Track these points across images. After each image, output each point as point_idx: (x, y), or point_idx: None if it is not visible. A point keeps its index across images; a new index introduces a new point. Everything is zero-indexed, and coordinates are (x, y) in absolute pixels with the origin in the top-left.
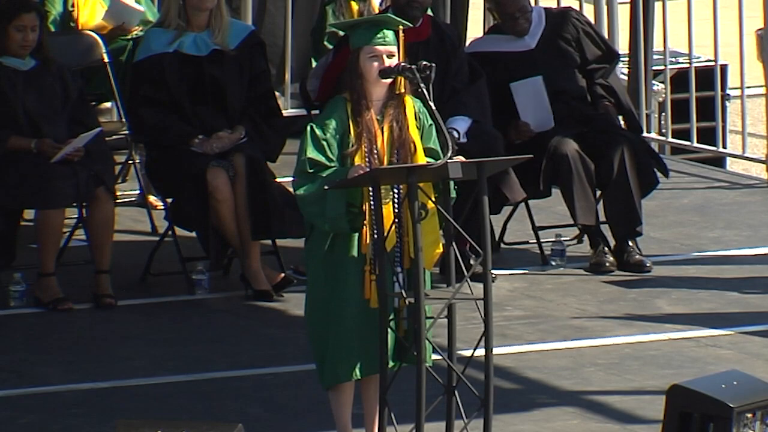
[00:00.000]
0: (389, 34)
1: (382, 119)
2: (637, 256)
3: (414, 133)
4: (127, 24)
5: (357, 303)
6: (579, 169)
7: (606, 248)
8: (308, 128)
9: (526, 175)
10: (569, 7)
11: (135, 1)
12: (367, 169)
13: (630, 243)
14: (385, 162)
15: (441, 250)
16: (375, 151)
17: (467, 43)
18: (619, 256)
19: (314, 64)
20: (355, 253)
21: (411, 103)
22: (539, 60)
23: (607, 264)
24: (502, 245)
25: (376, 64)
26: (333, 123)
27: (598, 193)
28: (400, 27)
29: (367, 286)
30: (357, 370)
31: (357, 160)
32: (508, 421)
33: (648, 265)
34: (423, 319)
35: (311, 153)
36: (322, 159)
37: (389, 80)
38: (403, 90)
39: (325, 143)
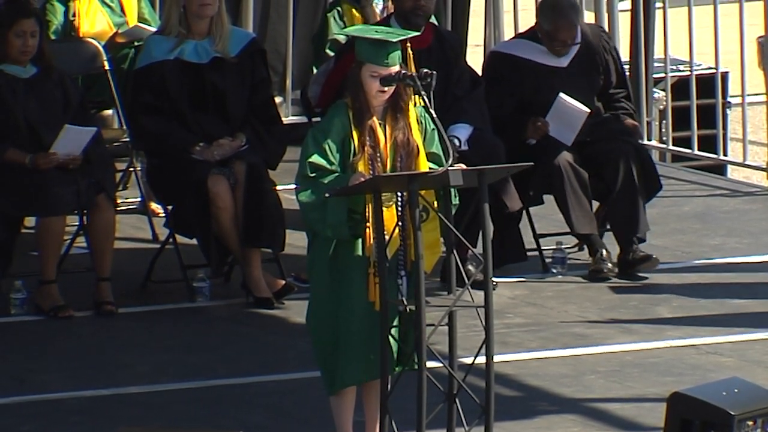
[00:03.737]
0: (395, 56)
1: (385, 124)
2: (643, 253)
3: (417, 136)
4: (141, 41)
5: (363, 306)
6: (572, 179)
7: (605, 255)
8: (310, 132)
9: (518, 182)
10: (601, 27)
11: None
12: (369, 177)
13: (636, 243)
14: (389, 167)
15: (441, 252)
16: (378, 156)
17: (497, 42)
18: (624, 258)
19: (315, 71)
20: (359, 256)
21: (413, 109)
22: (567, 79)
23: (606, 270)
24: None
25: (377, 83)
26: (335, 127)
27: (597, 202)
28: (408, 46)
29: (371, 288)
30: (365, 374)
31: (360, 167)
32: (509, 429)
33: (655, 256)
34: (424, 325)
35: (312, 157)
36: (324, 163)
37: (391, 88)
38: (405, 96)
39: (327, 147)
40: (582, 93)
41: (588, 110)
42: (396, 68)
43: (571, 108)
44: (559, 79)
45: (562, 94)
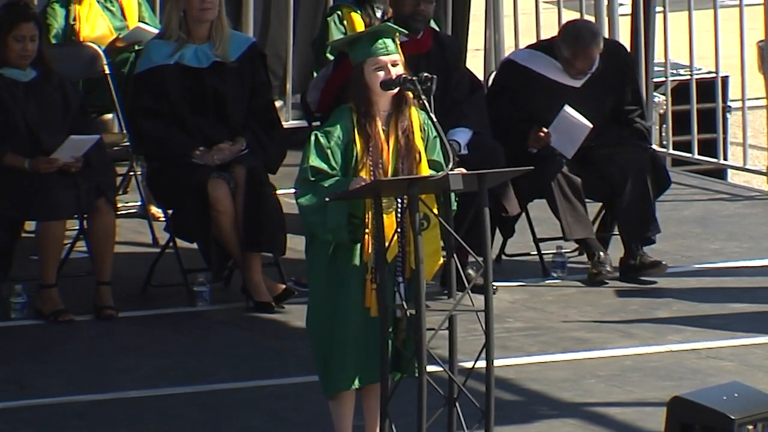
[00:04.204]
0: (390, 43)
1: (388, 129)
2: (651, 258)
3: (419, 143)
4: (141, 44)
5: (359, 312)
6: (563, 185)
7: (602, 257)
8: (312, 136)
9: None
10: (621, 45)
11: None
12: (369, 181)
13: (641, 248)
14: (390, 172)
15: (441, 261)
16: (380, 163)
17: (497, 46)
18: (630, 261)
19: (315, 76)
20: (357, 262)
21: (416, 115)
22: (579, 99)
23: (603, 273)
24: (503, 257)
25: (381, 74)
26: (338, 131)
27: (598, 204)
28: (397, 36)
29: (368, 294)
30: (358, 379)
31: (362, 173)
32: None
33: (664, 262)
34: (424, 330)
35: (314, 161)
36: (325, 167)
37: (393, 91)
38: (409, 101)
39: (328, 151)
40: (591, 113)
41: (591, 125)
42: (396, 56)
43: (575, 122)
44: (570, 98)
45: (567, 107)
